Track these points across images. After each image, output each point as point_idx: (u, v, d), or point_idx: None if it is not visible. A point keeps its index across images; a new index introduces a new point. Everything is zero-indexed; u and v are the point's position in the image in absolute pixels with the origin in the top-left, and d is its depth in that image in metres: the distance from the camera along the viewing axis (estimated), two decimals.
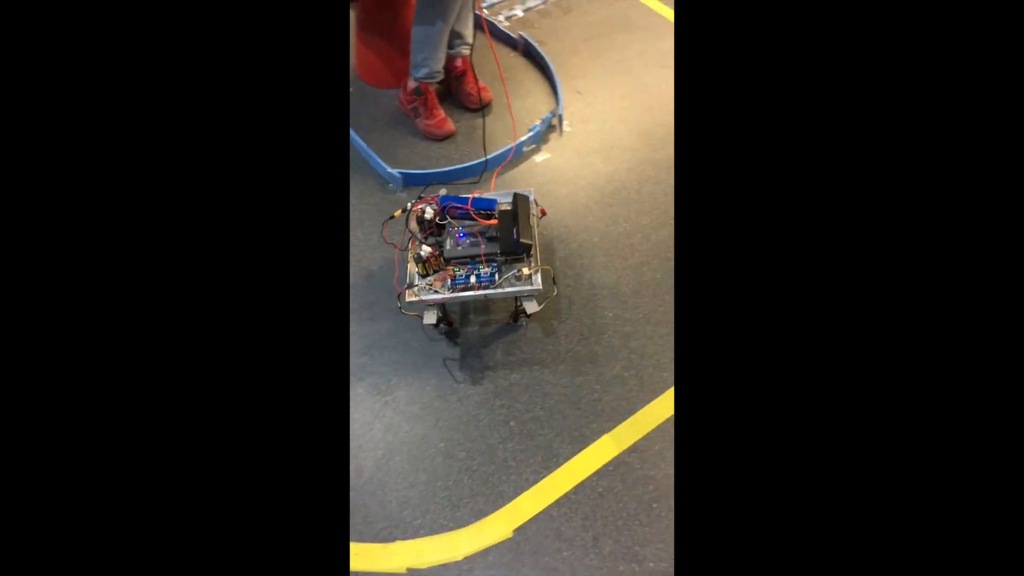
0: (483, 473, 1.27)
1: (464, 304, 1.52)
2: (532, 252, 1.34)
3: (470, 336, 1.48)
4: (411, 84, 1.88)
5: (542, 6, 2.34)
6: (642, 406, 1.35)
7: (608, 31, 2.21)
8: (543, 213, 1.45)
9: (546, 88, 2.05)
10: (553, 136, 1.91)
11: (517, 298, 1.39)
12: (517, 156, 1.85)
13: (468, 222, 1.38)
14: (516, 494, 1.24)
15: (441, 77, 1.89)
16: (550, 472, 1.27)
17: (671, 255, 1.59)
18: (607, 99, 2.00)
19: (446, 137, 1.91)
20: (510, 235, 1.31)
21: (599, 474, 1.26)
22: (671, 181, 1.76)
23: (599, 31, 2.22)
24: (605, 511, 1.21)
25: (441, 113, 1.92)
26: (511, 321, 1.50)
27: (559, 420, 1.34)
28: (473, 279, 1.33)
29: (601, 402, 1.36)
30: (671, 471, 1.25)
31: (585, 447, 1.30)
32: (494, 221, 1.34)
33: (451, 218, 1.37)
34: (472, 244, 1.36)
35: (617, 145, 1.87)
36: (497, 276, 1.33)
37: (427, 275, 1.34)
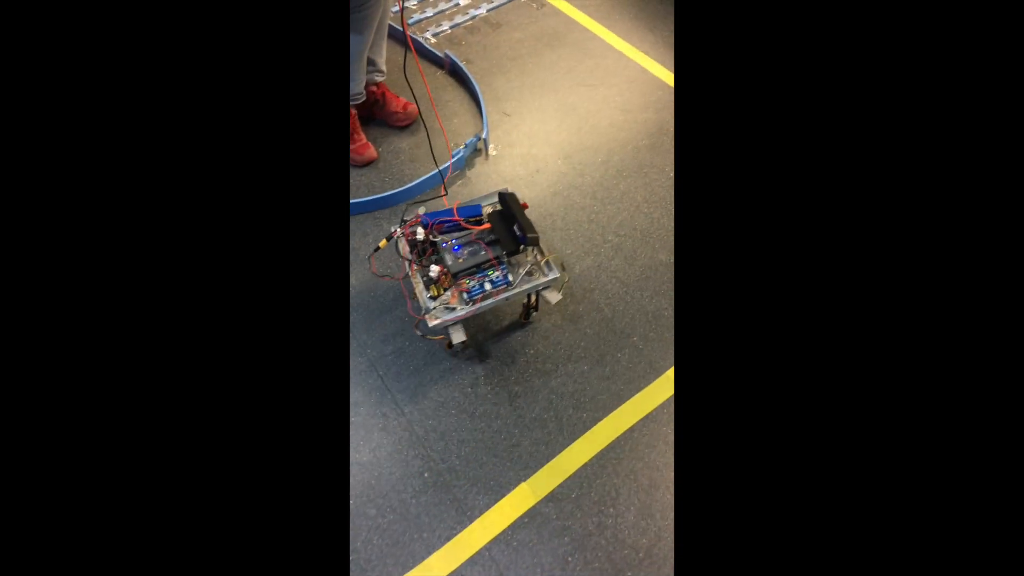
0: (393, 532, 1.21)
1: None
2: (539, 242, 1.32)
3: (388, 378, 1.42)
4: None
5: (470, 22, 2.28)
6: (560, 450, 1.31)
7: (536, 48, 2.17)
8: (525, 207, 1.41)
9: (472, 109, 1.99)
10: (479, 160, 1.86)
11: (528, 296, 1.37)
12: (440, 184, 1.80)
13: (458, 233, 1.35)
14: (428, 553, 1.19)
15: (362, 99, 1.82)
16: (464, 527, 1.22)
17: (593, 286, 1.55)
18: (534, 120, 1.95)
19: (367, 164, 1.85)
20: (511, 232, 1.30)
21: (515, 526, 1.22)
22: (595, 208, 1.73)
23: (527, 49, 2.17)
24: (520, 567, 1.17)
25: (363, 138, 1.85)
26: (523, 320, 1.45)
27: (475, 469, 1.29)
28: (488, 286, 1.30)
29: (519, 447, 1.31)
30: (587, 520, 1.22)
31: (501, 498, 1.25)
32: (486, 225, 1.33)
33: (439, 234, 1.34)
34: (473, 253, 1.32)
35: (543, 169, 1.83)
36: (511, 276, 1.30)
37: (438, 295, 1.28)
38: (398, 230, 1.32)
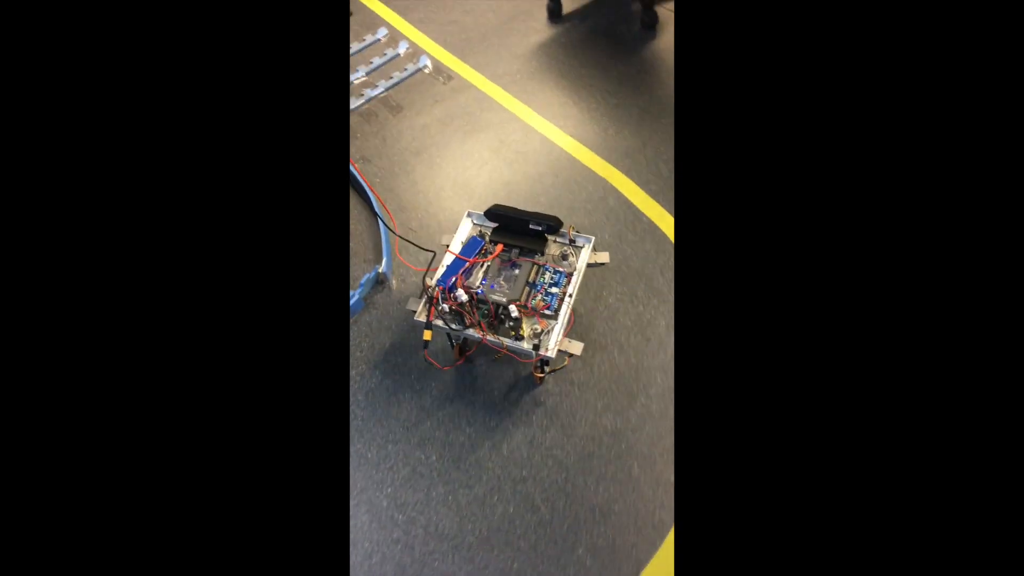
0: None
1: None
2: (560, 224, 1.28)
3: None
4: None
5: (365, 107, 1.95)
6: None
7: (445, 135, 1.84)
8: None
9: (371, 226, 1.66)
10: (381, 296, 1.53)
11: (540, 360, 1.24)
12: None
13: (478, 275, 1.25)
14: None
15: None
16: None
17: (470, 428, 1.24)
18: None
19: None
20: (530, 233, 1.27)
21: None
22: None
23: (435, 137, 1.84)
24: None
25: None
26: (538, 378, 1.29)
27: None
28: (555, 289, 1.23)
29: None
30: None
31: None
32: (499, 248, 1.27)
33: (463, 288, 1.20)
34: (508, 277, 1.24)
35: None
36: (561, 268, 1.25)
37: (524, 333, 1.19)
38: (430, 315, 1.20)
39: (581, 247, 1.30)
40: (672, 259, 1.50)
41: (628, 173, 1.68)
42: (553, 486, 1.22)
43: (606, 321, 1.40)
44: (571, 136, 1.79)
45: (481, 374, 1.35)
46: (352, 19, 2.19)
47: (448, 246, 1.32)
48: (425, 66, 2.03)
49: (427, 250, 1.40)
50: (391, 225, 1.62)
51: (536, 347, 1.15)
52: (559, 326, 1.19)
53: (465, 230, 1.34)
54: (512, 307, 1.16)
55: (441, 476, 1.23)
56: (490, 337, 1.17)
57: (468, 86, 1.96)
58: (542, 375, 1.28)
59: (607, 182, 1.67)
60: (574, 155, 1.75)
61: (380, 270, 1.52)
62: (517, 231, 1.28)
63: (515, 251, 1.27)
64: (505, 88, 1.94)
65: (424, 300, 1.22)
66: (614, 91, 1.89)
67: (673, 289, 1.43)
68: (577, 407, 1.30)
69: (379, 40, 2.12)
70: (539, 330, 1.18)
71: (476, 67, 2.00)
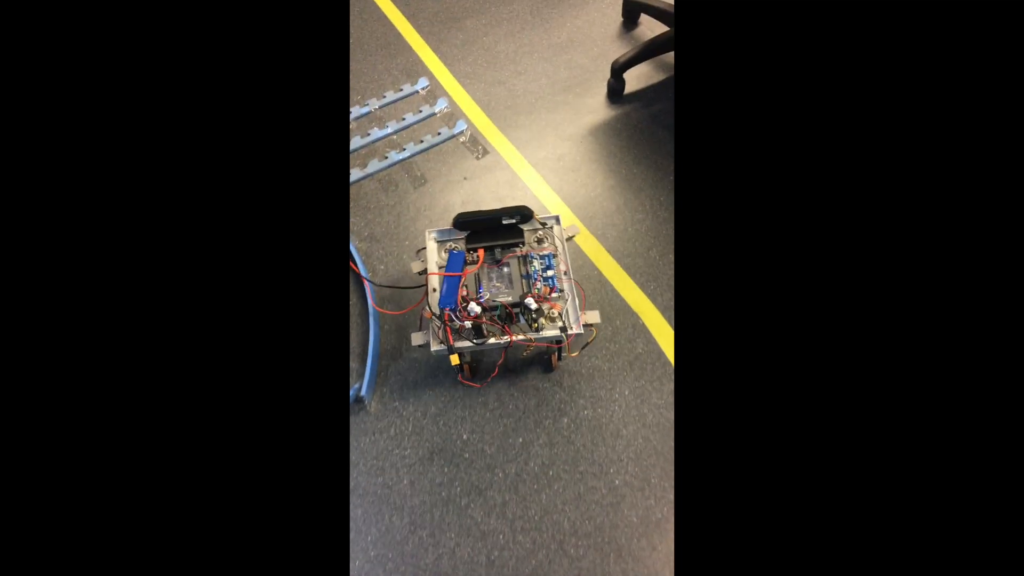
0: None
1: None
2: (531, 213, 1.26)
3: None
4: None
5: (385, 172, 1.74)
6: None
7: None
8: None
9: (358, 321, 1.45)
10: (354, 419, 1.33)
11: (549, 347, 1.25)
12: None
13: (472, 285, 1.21)
14: None
15: None
16: None
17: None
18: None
19: None
20: (505, 229, 1.25)
21: None
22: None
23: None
24: None
25: None
26: (556, 362, 1.32)
27: None
28: (550, 272, 1.22)
29: None
30: None
31: None
32: (480, 252, 1.24)
33: (474, 301, 1.17)
34: (500, 275, 1.22)
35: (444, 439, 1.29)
36: (544, 248, 1.25)
37: (538, 325, 1.17)
38: (450, 340, 1.14)
39: (550, 226, 1.28)
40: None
41: (666, 312, 1.44)
42: None
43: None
44: (609, 252, 1.55)
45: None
46: (394, 62, 1.99)
47: (423, 272, 1.26)
48: (461, 133, 1.81)
49: (405, 288, 1.39)
50: (379, 333, 1.41)
51: (563, 329, 1.15)
52: (572, 302, 1.20)
53: (433, 250, 1.27)
54: (529, 299, 1.15)
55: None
56: (519, 336, 1.14)
57: (502, 165, 1.73)
58: (560, 360, 1.32)
59: (639, 318, 1.43)
60: (608, 277, 1.51)
61: (359, 391, 1.31)
62: (490, 231, 1.26)
63: (497, 250, 1.24)
64: (544, 177, 1.70)
65: (431, 330, 1.17)
66: (667, 202, 1.64)
67: None
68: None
69: (417, 92, 1.91)
70: (555, 313, 1.17)
71: (516, 143, 1.78)
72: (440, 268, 1.23)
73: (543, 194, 1.66)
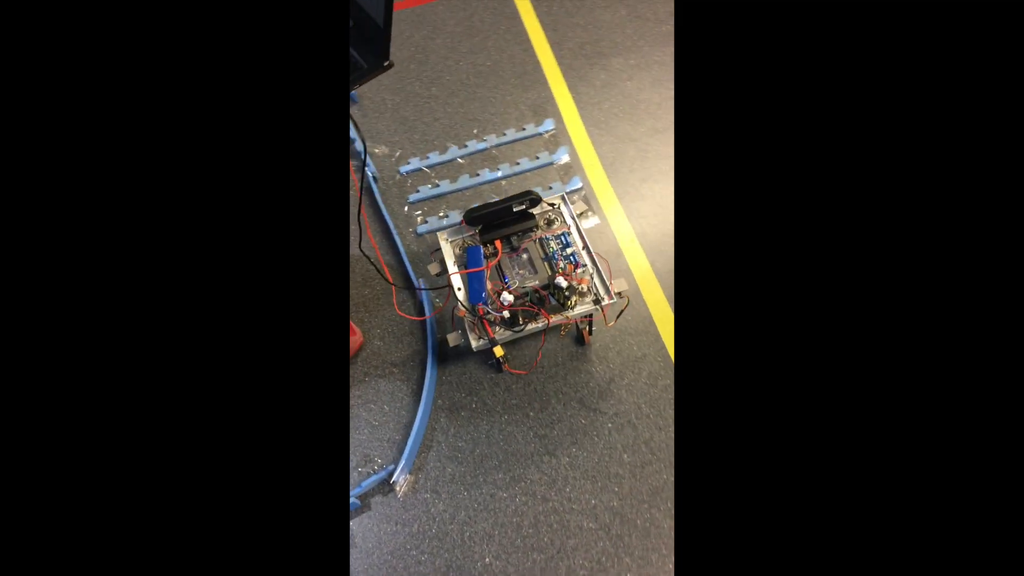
0: None
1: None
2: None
3: None
4: None
5: (469, 191, 1.61)
6: None
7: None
8: None
9: (410, 392, 1.36)
10: (385, 496, 1.24)
11: (580, 321, 1.29)
12: None
13: (492, 276, 1.21)
14: None
15: None
16: None
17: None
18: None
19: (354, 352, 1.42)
20: (516, 216, 1.25)
21: None
22: None
23: None
24: None
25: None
26: (588, 337, 1.36)
27: None
28: (569, 249, 1.23)
29: None
30: None
31: None
32: (498, 244, 1.24)
33: (505, 290, 1.16)
34: (521, 263, 1.22)
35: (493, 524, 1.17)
36: (564, 221, 1.27)
37: (569, 303, 1.17)
38: (490, 333, 1.15)
39: (558, 205, 1.30)
40: None
41: None
42: None
43: None
44: None
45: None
46: (525, 95, 1.84)
47: (440, 273, 1.28)
48: (576, 192, 1.64)
49: (424, 289, 1.44)
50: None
51: (597, 300, 1.17)
52: (597, 273, 1.20)
53: (448, 251, 1.26)
54: (559, 279, 1.16)
55: None
56: (555, 317, 1.15)
57: (607, 236, 1.54)
58: (591, 334, 1.35)
59: None
60: None
61: (392, 473, 1.23)
62: (502, 222, 1.25)
63: (513, 239, 1.25)
64: (652, 263, 1.49)
65: (467, 327, 1.17)
66: None
67: None
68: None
69: (540, 135, 1.76)
70: (584, 288, 1.18)
71: (630, 215, 1.58)
72: (459, 267, 1.22)
73: (644, 279, 1.46)
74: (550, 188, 1.65)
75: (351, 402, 1.36)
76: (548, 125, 1.77)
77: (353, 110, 1.86)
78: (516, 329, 1.15)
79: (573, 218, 1.27)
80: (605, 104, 1.81)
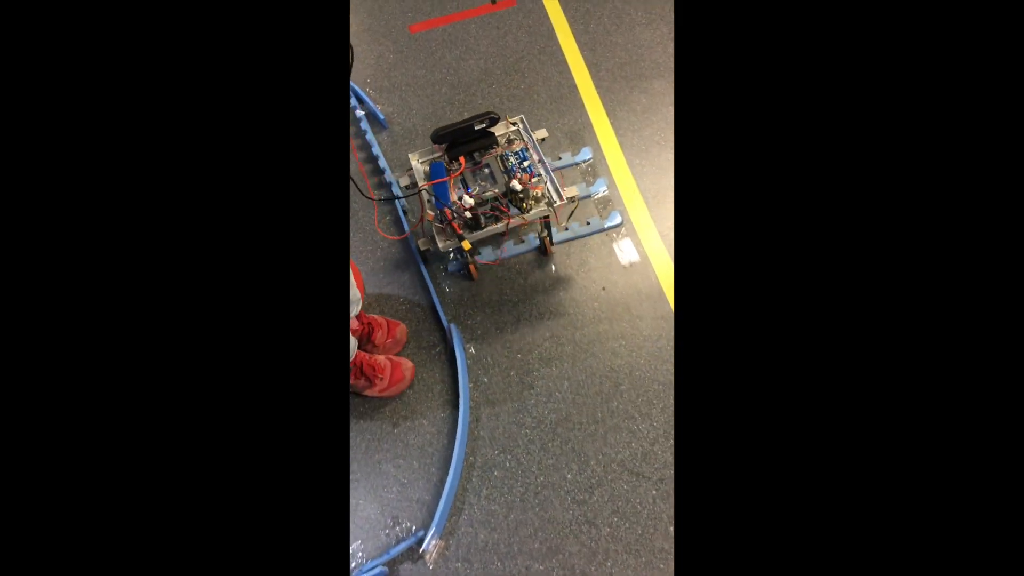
0: None
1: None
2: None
3: None
4: None
5: (519, 255, 1.53)
6: None
7: (580, 356, 1.38)
8: None
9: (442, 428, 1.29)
10: (420, 563, 1.18)
11: (541, 225, 1.45)
12: None
13: (460, 189, 1.34)
14: None
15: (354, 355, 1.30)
16: None
17: None
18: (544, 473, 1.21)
19: (411, 382, 1.38)
20: (479, 134, 1.37)
21: None
22: None
23: (567, 349, 1.39)
24: None
25: (385, 366, 1.34)
26: (547, 248, 1.49)
27: None
28: (526, 162, 1.38)
29: None
30: None
31: None
32: (461, 160, 1.37)
33: (467, 195, 1.31)
34: (482, 176, 1.36)
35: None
36: (523, 141, 1.42)
37: (531, 207, 1.32)
38: (456, 229, 1.28)
39: (517, 127, 1.45)
40: None
41: None
42: None
43: None
44: None
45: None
46: (560, 121, 1.76)
47: (410, 186, 1.44)
48: (616, 228, 1.55)
49: (393, 197, 1.62)
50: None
51: (551, 203, 1.31)
52: (552, 181, 1.35)
53: (418, 169, 1.41)
54: (514, 182, 1.29)
55: None
56: (515, 218, 1.29)
57: (649, 279, 1.45)
58: (552, 242, 1.49)
59: None
60: None
61: (421, 539, 1.16)
62: (465, 139, 1.38)
63: (476, 154, 1.39)
64: None
65: (435, 233, 1.31)
66: None
67: None
68: None
69: (577, 165, 1.67)
70: (538, 193, 1.33)
71: (672, 254, 1.48)
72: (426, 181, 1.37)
73: None
74: (588, 223, 1.56)
75: (379, 456, 1.30)
76: (585, 154, 1.68)
77: (382, 136, 1.79)
78: (482, 227, 1.29)
79: (530, 135, 1.41)
80: (646, 131, 1.71)
